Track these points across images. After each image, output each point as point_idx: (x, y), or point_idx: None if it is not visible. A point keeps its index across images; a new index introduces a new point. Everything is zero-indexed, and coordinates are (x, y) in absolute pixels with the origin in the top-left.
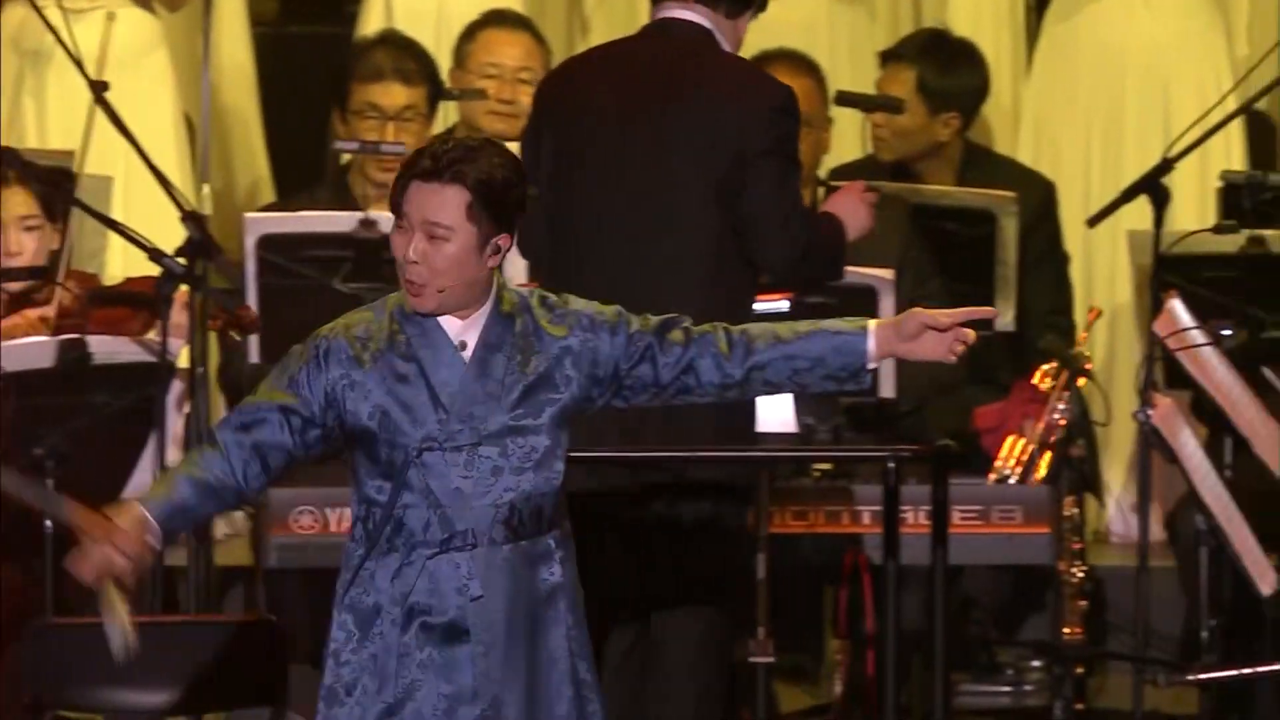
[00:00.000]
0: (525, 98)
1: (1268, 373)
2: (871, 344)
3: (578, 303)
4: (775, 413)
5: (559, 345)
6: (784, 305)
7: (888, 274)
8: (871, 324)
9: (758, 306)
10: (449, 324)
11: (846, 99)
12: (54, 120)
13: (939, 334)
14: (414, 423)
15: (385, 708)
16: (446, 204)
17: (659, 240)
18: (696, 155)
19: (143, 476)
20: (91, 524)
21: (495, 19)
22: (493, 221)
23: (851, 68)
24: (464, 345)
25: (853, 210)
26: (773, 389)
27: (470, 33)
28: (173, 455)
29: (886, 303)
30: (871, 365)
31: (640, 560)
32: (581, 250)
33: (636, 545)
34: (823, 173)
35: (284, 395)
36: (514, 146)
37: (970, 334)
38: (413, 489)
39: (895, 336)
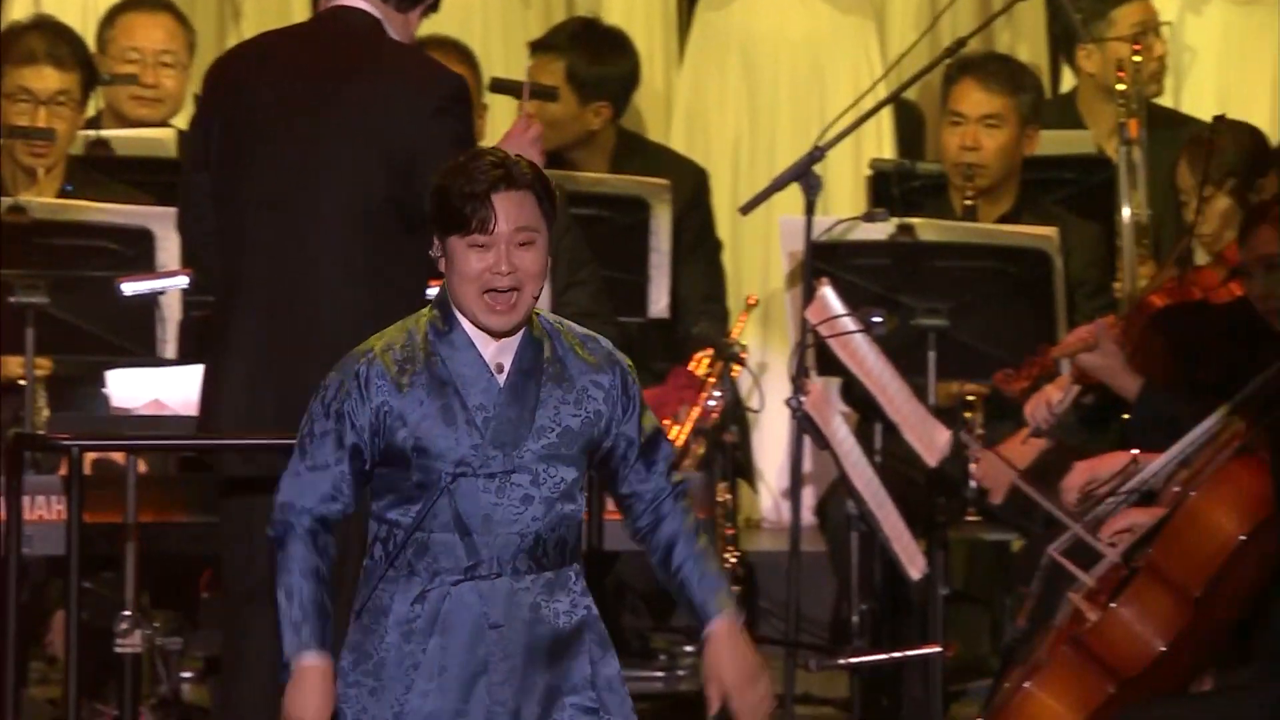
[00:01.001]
0: (169, 81)
1: (965, 437)
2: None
3: (606, 342)
4: None
5: (592, 377)
6: None
7: None
8: (715, 625)
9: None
10: (484, 346)
11: (501, 86)
12: None
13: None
14: (449, 447)
15: None
16: (527, 207)
17: (326, 230)
18: (366, 142)
19: None
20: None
21: (135, 2)
22: (550, 219)
23: (505, 54)
24: (500, 368)
25: (522, 154)
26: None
27: (110, 17)
28: None
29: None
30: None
31: None
32: (248, 238)
33: None
34: None
35: (336, 450)
36: (159, 131)
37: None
38: (442, 513)
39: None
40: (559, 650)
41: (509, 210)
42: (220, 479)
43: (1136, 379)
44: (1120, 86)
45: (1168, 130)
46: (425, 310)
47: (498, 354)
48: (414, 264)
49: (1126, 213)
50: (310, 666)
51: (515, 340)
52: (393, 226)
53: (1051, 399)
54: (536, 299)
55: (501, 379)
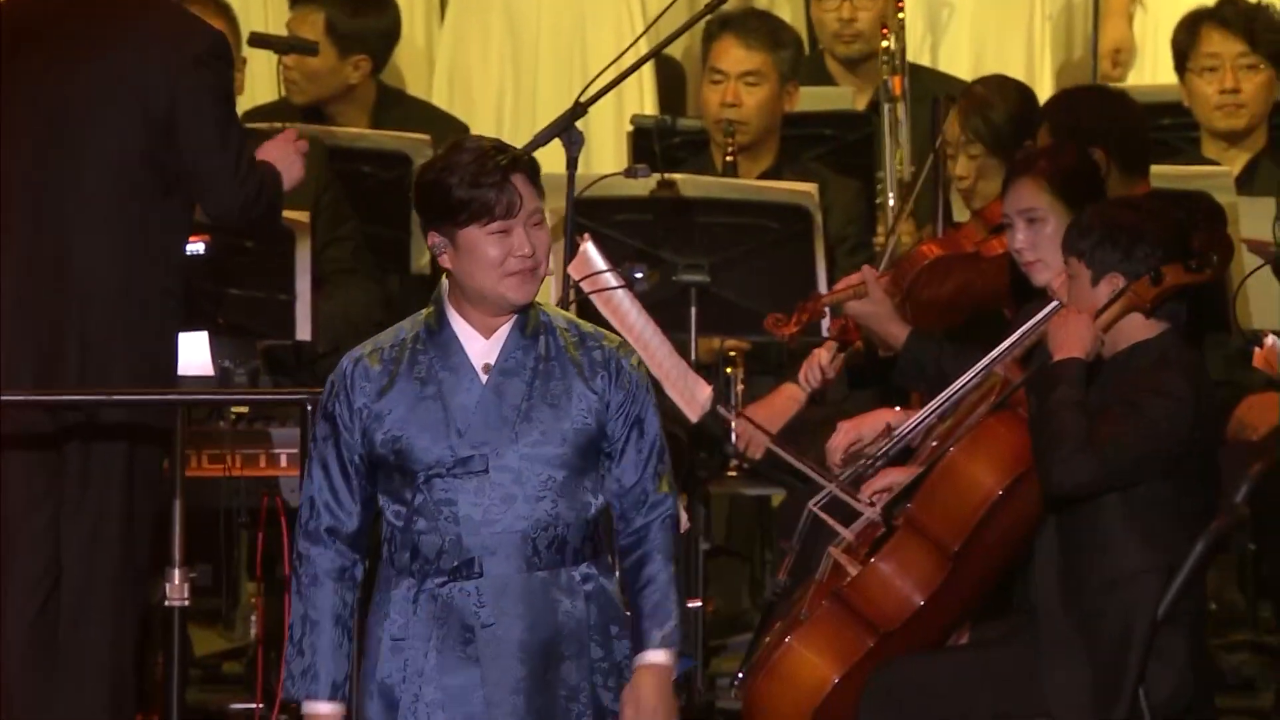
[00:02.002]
0: None
1: (721, 409)
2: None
3: (614, 338)
4: (192, 355)
5: (588, 374)
6: (200, 247)
7: (303, 216)
8: (651, 657)
9: None
10: (471, 344)
11: (260, 40)
12: None
13: None
14: (426, 448)
15: None
16: (532, 190)
17: (83, 188)
18: (124, 100)
19: None
20: None
21: None
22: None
23: (264, 8)
24: (487, 368)
25: (286, 160)
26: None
27: None
28: None
29: (303, 246)
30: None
31: (53, 507)
32: (6, 196)
33: (51, 491)
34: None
35: (334, 451)
36: None
37: None
38: (426, 514)
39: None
40: (554, 652)
41: (527, 193)
42: None
43: (904, 327)
44: (885, 44)
45: (919, 86)
46: (426, 310)
47: (485, 352)
48: (171, 221)
49: (890, 169)
50: (320, 714)
51: (502, 338)
52: (150, 184)
53: (822, 360)
54: (544, 277)
55: (485, 378)
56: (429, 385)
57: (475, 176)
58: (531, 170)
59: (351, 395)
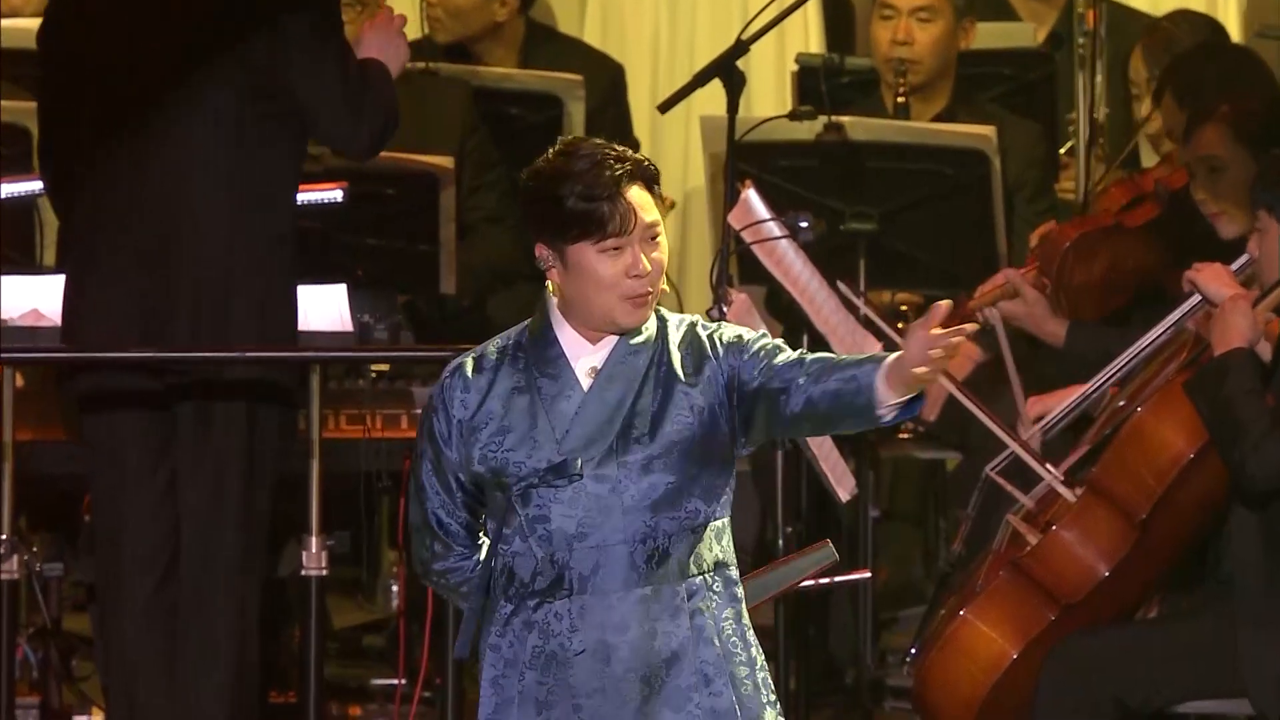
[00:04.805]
0: None
1: (841, 286)
2: (879, 374)
3: (730, 328)
4: (329, 309)
5: (692, 375)
6: (338, 194)
7: (447, 162)
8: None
9: (308, 197)
10: (576, 350)
11: None
12: None
13: (919, 335)
14: (521, 460)
15: None
16: (648, 199)
17: (186, 138)
18: (219, 45)
19: None
20: None
21: None
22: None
23: None
24: (593, 371)
25: (389, 45)
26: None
27: None
28: None
29: (447, 193)
30: (882, 408)
31: (168, 474)
32: (107, 151)
33: (165, 458)
34: None
35: (434, 472)
36: (36, 22)
37: (955, 342)
38: (520, 531)
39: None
40: (655, 678)
41: (641, 208)
42: (80, 395)
43: (1061, 323)
44: None
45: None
46: (531, 318)
47: (591, 358)
48: (278, 165)
49: (1082, 110)
50: None
51: (611, 342)
52: (254, 129)
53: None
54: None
55: (587, 384)
56: (526, 394)
57: (589, 188)
58: (650, 179)
59: (450, 409)
